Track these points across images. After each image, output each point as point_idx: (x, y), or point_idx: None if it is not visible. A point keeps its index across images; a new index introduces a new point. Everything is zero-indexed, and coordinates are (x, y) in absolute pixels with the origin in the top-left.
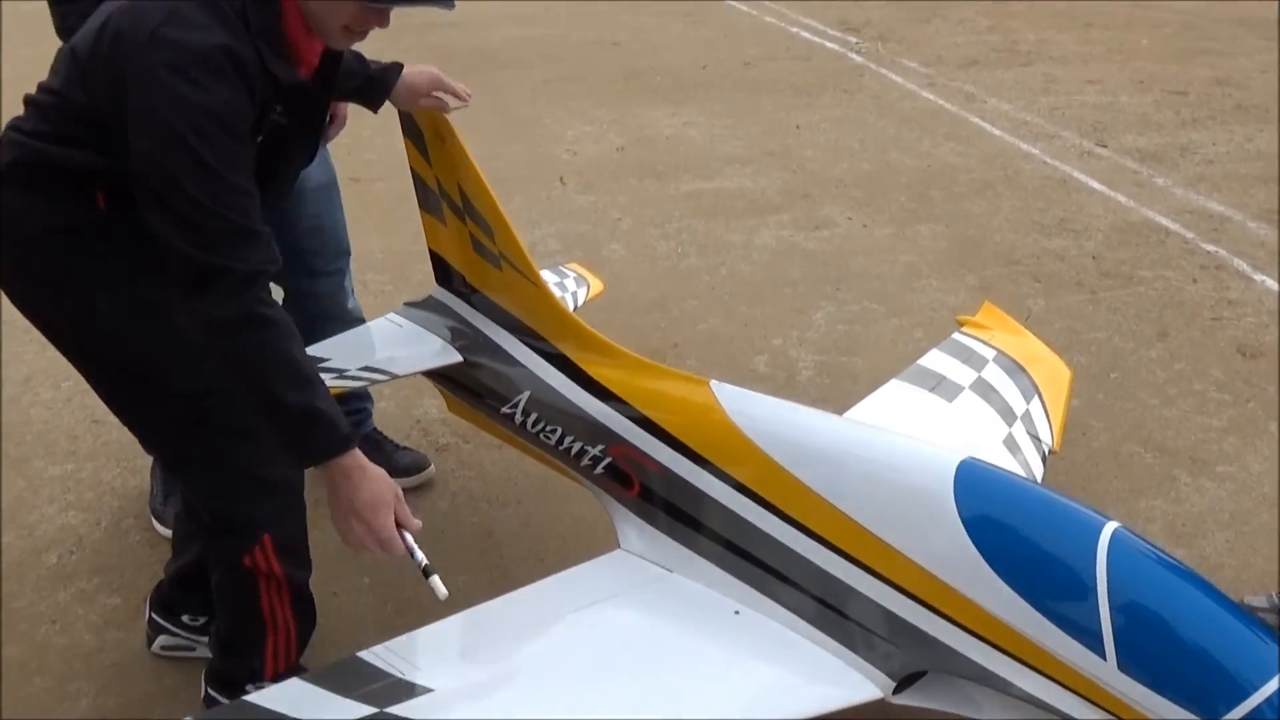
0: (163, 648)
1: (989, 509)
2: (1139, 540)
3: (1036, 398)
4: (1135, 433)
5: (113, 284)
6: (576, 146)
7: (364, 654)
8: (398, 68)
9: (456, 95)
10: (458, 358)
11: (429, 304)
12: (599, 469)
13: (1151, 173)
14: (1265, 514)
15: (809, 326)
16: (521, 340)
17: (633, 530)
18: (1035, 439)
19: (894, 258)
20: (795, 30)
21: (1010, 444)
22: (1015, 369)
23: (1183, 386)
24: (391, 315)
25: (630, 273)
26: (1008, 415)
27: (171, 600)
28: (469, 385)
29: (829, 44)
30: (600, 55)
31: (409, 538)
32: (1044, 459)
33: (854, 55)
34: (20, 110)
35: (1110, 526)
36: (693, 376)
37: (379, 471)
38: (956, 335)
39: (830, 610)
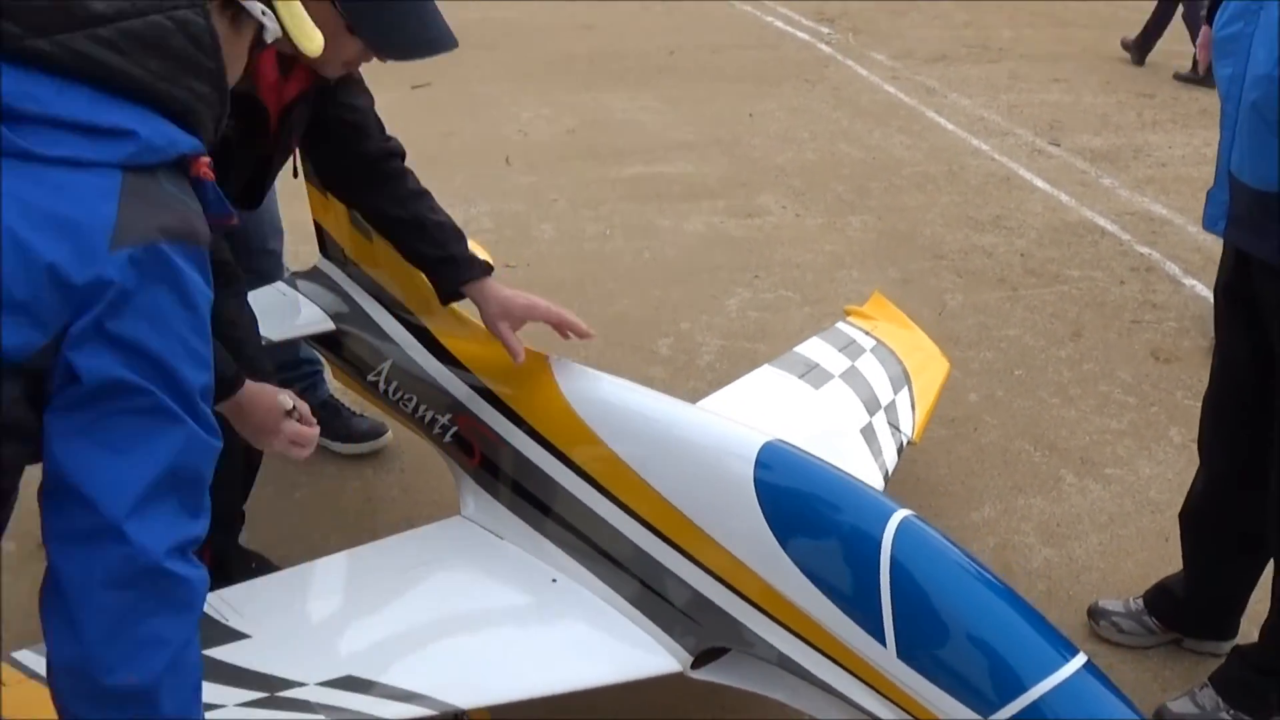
0: None
1: (785, 491)
2: (929, 531)
3: (906, 389)
4: (1028, 430)
5: None
6: (529, 128)
7: None
8: (482, 268)
9: (577, 332)
10: (330, 326)
11: (313, 274)
12: (447, 437)
13: (1100, 173)
14: (1146, 518)
15: (719, 312)
16: (390, 311)
17: (472, 497)
18: (895, 429)
19: (820, 247)
20: (770, 19)
21: (868, 433)
22: (891, 359)
23: (1087, 387)
24: (278, 284)
25: (555, 253)
26: (872, 405)
27: None
28: (342, 353)
29: (800, 34)
30: (569, 38)
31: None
32: (900, 449)
33: (823, 46)
34: None
35: (899, 515)
36: (536, 352)
37: (261, 393)
38: (840, 324)
39: (637, 582)
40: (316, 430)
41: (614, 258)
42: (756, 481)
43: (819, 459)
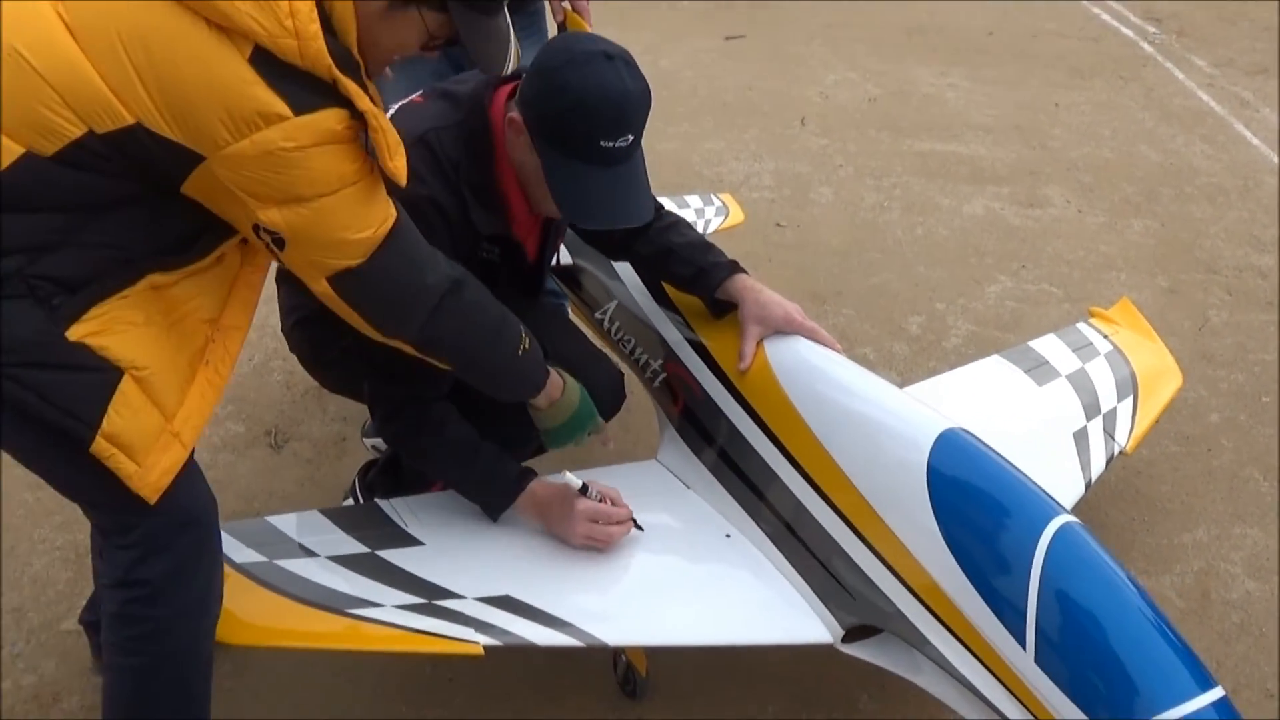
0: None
1: (954, 480)
2: (1088, 539)
3: (1130, 398)
4: (1262, 459)
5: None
6: (831, 91)
7: (381, 503)
8: (728, 268)
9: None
10: (569, 260)
11: None
12: (656, 383)
13: None
14: None
15: (977, 297)
16: None
17: (669, 444)
18: (1109, 437)
19: (1094, 246)
20: (1097, 11)
21: (1080, 436)
22: (1123, 367)
23: None
24: None
25: (828, 217)
26: (1092, 409)
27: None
28: (575, 288)
29: (1125, 29)
30: (892, 7)
31: (615, 509)
32: (1110, 459)
33: (1145, 45)
34: None
35: (1060, 519)
36: None
37: (554, 495)
38: (1080, 324)
39: (806, 550)
40: (616, 491)
41: (885, 230)
42: (929, 469)
43: (994, 452)
